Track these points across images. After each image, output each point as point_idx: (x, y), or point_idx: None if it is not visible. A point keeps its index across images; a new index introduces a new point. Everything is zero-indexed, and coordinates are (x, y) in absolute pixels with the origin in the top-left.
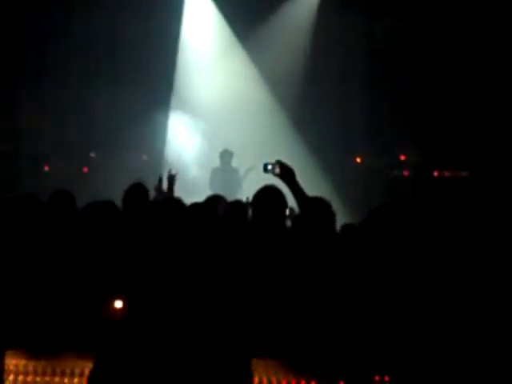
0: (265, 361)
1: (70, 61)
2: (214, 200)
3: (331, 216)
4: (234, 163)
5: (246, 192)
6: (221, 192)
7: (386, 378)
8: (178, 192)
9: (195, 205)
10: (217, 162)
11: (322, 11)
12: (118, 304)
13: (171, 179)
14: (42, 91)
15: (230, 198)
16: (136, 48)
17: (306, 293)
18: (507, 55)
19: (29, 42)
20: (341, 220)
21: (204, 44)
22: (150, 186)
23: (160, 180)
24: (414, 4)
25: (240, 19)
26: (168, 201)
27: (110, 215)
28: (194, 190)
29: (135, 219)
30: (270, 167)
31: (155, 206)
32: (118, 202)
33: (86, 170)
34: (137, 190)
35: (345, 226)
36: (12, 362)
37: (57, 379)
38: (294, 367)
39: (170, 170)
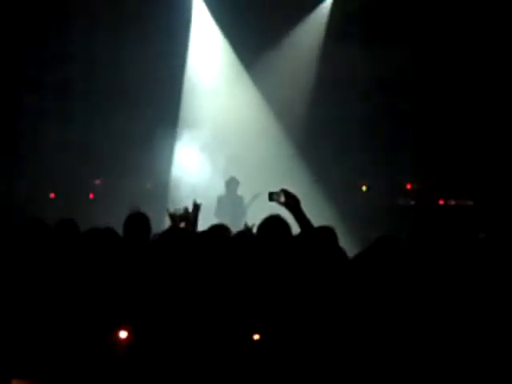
0: None
1: (75, 87)
2: (218, 229)
3: (336, 244)
4: (240, 191)
5: (251, 219)
6: (226, 220)
7: None
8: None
9: (200, 233)
10: (222, 190)
11: (328, 40)
12: (123, 334)
13: (196, 209)
14: (46, 119)
15: (235, 225)
16: (142, 76)
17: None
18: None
19: (30, 68)
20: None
21: (210, 71)
22: (153, 213)
23: (186, 209)
24: (419, 34)
25: (246, 46)
26: (173, 230)
27: (109, 243)
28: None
29: (136, 248)
30: (275, 196)
31: (161, 236)
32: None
33: (91, 196)
34: (137, 219)
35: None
36: None
37: None
38: None
39: (195, 200)
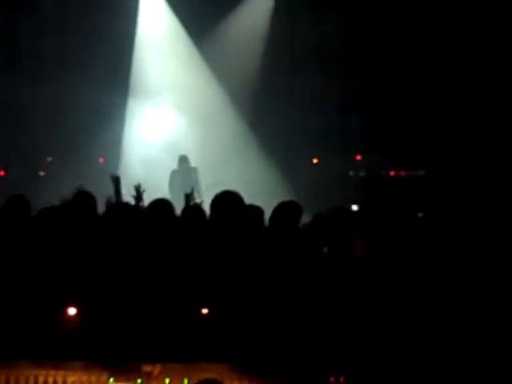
0: (219, 365)
1: (25, 60)
2: (159, 205)
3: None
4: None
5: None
6: (177, 192)
7: (342, 379)
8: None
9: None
10: (174, 163)
11: (277, 14)
12: (72, 311)
13: (116, 181)
14: None
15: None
16: (91, 52)
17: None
18: (458, 53)
19: None
20: None
21: (158, 44)
22: (106, 188)
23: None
24: (365, 7)
25: (195, 19)
26: (118, 206)
27: (62, 221)
28: (155, 190)
29: (82, 225)
30: None
31: (108, 211)
32: None
33: (42, 173)
34: (81, 197)
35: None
36: None
37: None
38: (247, 371)
39: (113, 173)
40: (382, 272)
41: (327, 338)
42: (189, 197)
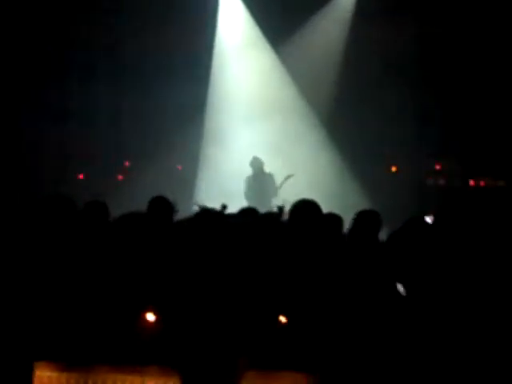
0: (297, 374)
1: (104, 70)
2: (247, 213)
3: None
4: (267, 169)
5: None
6: (255, 200)
7: None
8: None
9: (230, 216)
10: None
11: (357, 19)
12: (150, 317)
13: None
14: (74, 102)
15: (265, 204)
16: (170, 61)
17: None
18: None
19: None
20: None
21: (237, 50)
22: (182, 195)
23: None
24: (447, 11)
25: (273, 25)
26: (200, 215)
27: (142, 228)
28: (231, 199)
29: (160, 232)
30: None
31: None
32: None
33: (120, 178)
34: (159, 203)
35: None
36: (46, 374)
37: None
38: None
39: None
40: (460, 285)
41: (404, 351)
42: (281, 210)
